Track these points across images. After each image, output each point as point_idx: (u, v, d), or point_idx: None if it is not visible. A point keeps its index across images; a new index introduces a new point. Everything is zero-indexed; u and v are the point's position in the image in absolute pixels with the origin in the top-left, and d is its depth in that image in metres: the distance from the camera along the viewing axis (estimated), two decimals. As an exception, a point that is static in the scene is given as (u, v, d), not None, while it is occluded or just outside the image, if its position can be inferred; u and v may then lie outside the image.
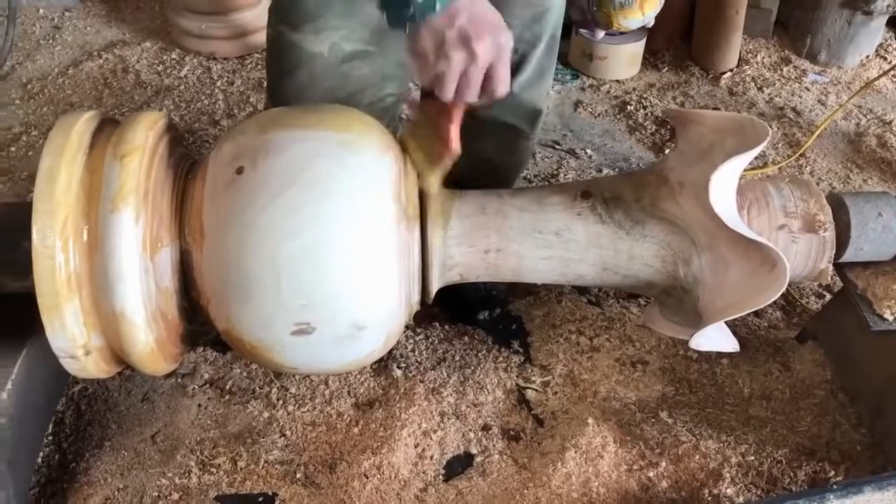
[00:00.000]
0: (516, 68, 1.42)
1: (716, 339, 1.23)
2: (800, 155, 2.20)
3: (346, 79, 1.29)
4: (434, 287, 1.23)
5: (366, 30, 1.25)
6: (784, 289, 1.13)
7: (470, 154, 1.20)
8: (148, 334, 1.07)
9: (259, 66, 2.52)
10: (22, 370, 1.21)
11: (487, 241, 1.23)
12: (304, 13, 1.25)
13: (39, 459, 1.34)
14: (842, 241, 1.26)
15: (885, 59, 2.63)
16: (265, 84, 1.39)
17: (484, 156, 1.48)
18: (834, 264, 1.34)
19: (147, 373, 1.17)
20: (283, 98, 1.31)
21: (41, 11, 2.79)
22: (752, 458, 1.35)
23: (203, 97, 2.37)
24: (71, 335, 1.03)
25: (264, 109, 1.42)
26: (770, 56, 2.65)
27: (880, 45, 2.66)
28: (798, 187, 1.27)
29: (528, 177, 2.13)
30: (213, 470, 1.35)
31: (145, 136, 1.04)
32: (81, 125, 1.05)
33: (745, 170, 1.24)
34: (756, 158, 2.15)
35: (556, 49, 1.51)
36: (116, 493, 1.31)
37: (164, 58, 2.55)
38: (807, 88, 2.52)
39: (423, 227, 1.19)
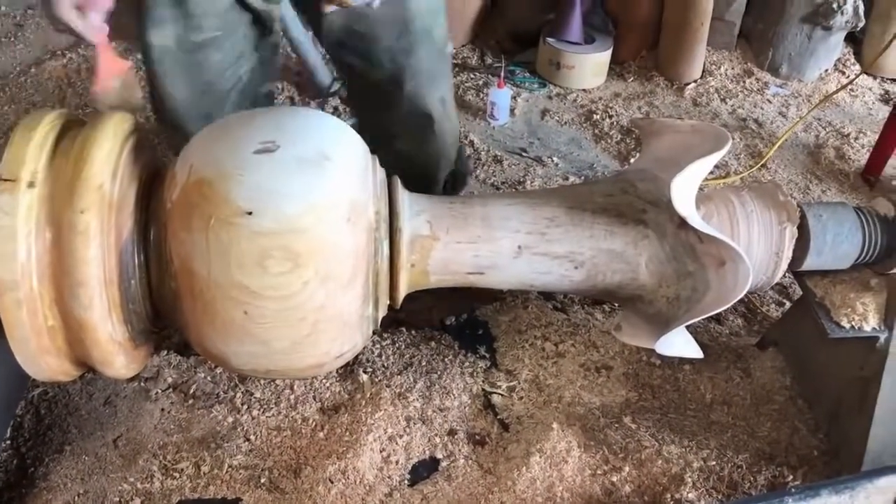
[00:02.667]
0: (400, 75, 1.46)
1: (680, 345, 1.24)
2: (761, 165, 2.25)
3: (201, 67, 1.32)
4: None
5: (208, 17, 1.28)
6: (748, 287, 1.16)
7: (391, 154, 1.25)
8: (111, 338, 1.06)
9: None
10: (-20, 374, 1.19)
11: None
12: (145, 8, 1.30)
13: (-4, 464, 1.32)
14: (802, 249, 1.29)
15: (844, 73, 2.69)
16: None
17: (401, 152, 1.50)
18: (794, 273, 1.37)
19: (109, 376, 1.15)
20: (157, 97, 1.37)
21: (3, 9, 2.74)
22: (714, 462, 1.37)
23: (169, 99, 2.34)
24: (34, 337, 1.02)
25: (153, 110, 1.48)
26: (733, 68, 2.69)
27: (839, 59, 2.72)
28: (760, 196, 1.30)
29: (496, 183, 2.15)
30: (176, 475, 1.34)
31: (112, 137, 1.03)
32: (46, 125, 1.03)
33: (708, 179, 1.27)
34: (718, 168, 2.20)
35: (446, 57, 1.55)
36: (77, 498, 1.29)
37: (129, 57, 2.52)
38: (768, 100, 2.57)
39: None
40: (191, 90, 1.33)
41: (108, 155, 1.03)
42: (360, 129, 1.33)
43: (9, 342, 1.02)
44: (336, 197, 1.09)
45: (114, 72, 1.27)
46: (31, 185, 1.00)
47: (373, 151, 1.20)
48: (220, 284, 1.04)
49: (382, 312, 1.24)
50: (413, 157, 1.55)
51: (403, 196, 1.24)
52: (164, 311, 1.14)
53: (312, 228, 1.06)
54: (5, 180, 0.99)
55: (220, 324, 1.08)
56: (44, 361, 1.05)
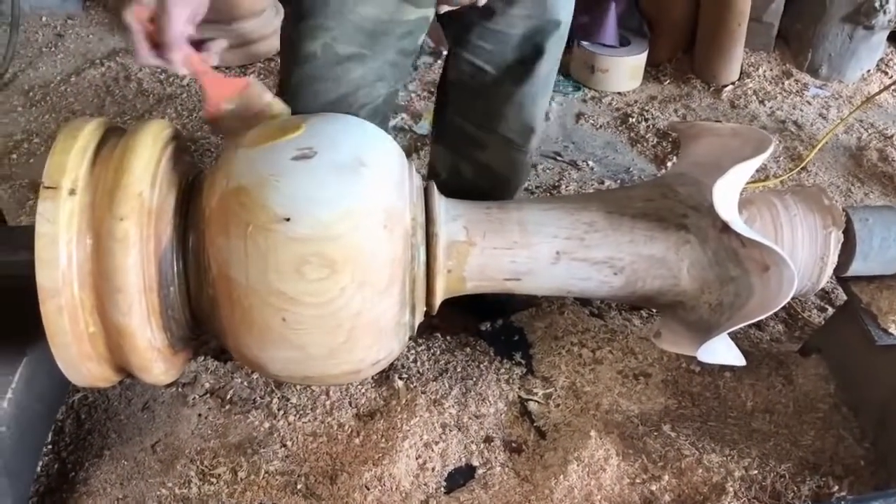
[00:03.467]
0: (519, 78, 1.44)
1: (721, 352, 1.22)
2: (801, 168, 2.21)
3: (338, 82, 1.29)
4: None
5: (360, 33, 1.26)
6: (793, 292, 1.13)
7: (472, 163, 1.20)
8: (150, 344, 1.06)
9: (262, 75, 2.52)
10: (22, 379, 1.20)
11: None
12: (303, 10, 1.26)
13: (38, 469, 1.33)
14: (847, 254, 1.26)
15: (886, 73, 2.64)
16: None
17: (484, 163, 1.50)
18: (838, 278, 1.34)
19: (148, 382, 1.16)
20: (284, 93, 1.32)
21: (44, 19, 2.80)
22: (756, 472, 1.34)
23: (205, 106, 2.37)
24: (75, 343, 1.03)
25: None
26: (771, 69, 2.65)
27: (881, 59, 2.67)
28: (804, 199, 1.27)
29: (531, 188, 2.13)
30: (213, 480, 1.34)
31: (151, 145, 1.04)
32: (87, 133, 1.05)
33: (748, 183, 1.25)
34: (758, 171, 2.16)
35: (557, 66, 1.51)
36: (116, 502, 1.30)
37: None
38: (808, 102, 2.53)
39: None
40: (323, 100, 1.31)
41: (148, 163, 1.04)
42: (441, 137, 1.33)
43: (51, 348, 1.03)
44: (372, 203, 1.08)
45: (224, 95, 1.21)
46: (72, 192, 1.01)
47: (452, 163, 1.18)
48: (258, 291, 1.04)
49: (419, 319, 1.24)
50: (496, 170, 1.54)
51: (440, 202, 1.23)
52: (202, 317, 1.15)
53: (349, 235, 1.06)
54: (47, 188, 1.00)
55: (258, 330, 1.08)
56: (84, 367, 1.06)
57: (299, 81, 1.29)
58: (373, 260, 1.08)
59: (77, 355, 1.04)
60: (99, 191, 1.02)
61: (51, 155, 1.02)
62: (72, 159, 1.02)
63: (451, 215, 1.23)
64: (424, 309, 1.24)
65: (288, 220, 1.02)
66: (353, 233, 1.06)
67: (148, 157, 1.04)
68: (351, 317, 1.08)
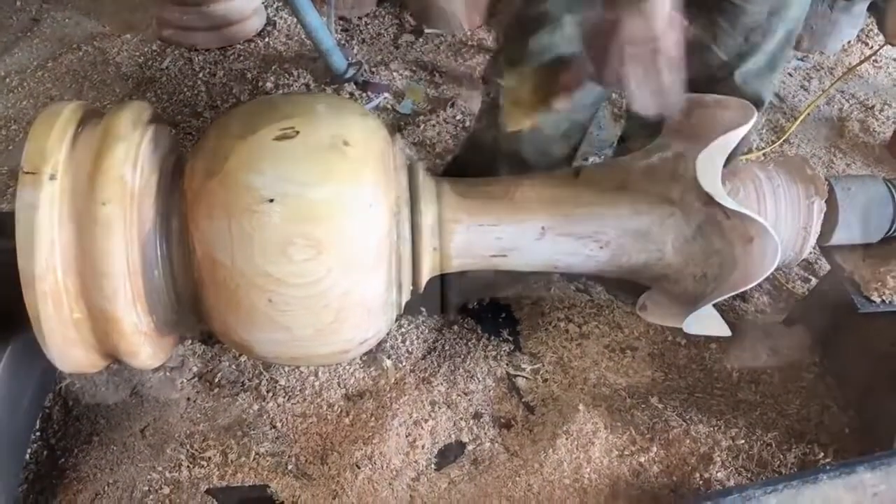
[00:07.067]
0: (745, 56, 1.37)
1: (707, 323, 1.23)
2: (784, 141, 2.21)
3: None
4: None
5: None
6: (777, 263, 1.14)
7: None
8: (136, 328, 1.06)
9: (241, 58, 2.49)
10: (6, 370, 1.20)
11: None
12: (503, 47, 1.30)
13: (27, 456, 1.32)
14: (830, 223, 1.27)
15: (867, 44, 2.64)
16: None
17: None
18: (821, 247, 1.35)
19: (136, 367, 1.16)
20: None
21: (18, 3, 2.75)
22: (742, 441, 1.36)
23: (185, 89, 2.34)
24: (60, 329, 1.02)
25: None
26: (753, 42, 2.65)
27: (862, 30, 2.66)
28: (786, 170, 1.28)
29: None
30: (204, 463, 1.34)
31: (131, 127, 1.03)
32: (65, 117, 1.03)
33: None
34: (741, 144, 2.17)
35: (791, 44, 1.44)
36: (106, 487, 1.30)
37: (145, 49, 2.52)
38: (789, 74, 2.53)
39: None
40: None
41: (129, 146, 1.03)
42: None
43: (36, 335, 1.03)
44: (357, 183, 1.08)
45: None
46: (52, 177, 1.00)
47: None
48: (244, 273, 1.04)
49: (406, 297, 1.24)
50: None
51: (425, 180, 1.23)
52: (187, 300, 1.14)
53: (334, 215, 1.05)
54: (27, 173, 0.99)
55: (244, 312, 1.08)
56: (71, 353, 1.06)
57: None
58: (358, 239, 1.08)
59: (63, 341, 1.04)
60: (80, 175, 1.01)
61: (29, 140, 1.01)
62: (51, 143, 1.01)
63: (437, 193, 1.23)
64: (411, 288, 1.24)
65: (272, 201, 1.02)
66: (338, 213, 1.06)
67: (129, 140, 1.03)
68: (338, 297, 1.08)
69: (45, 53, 2.51)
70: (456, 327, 1.60)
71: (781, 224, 1.25)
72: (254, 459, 1.35)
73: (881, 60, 2.57)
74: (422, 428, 1.39)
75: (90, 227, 1.00)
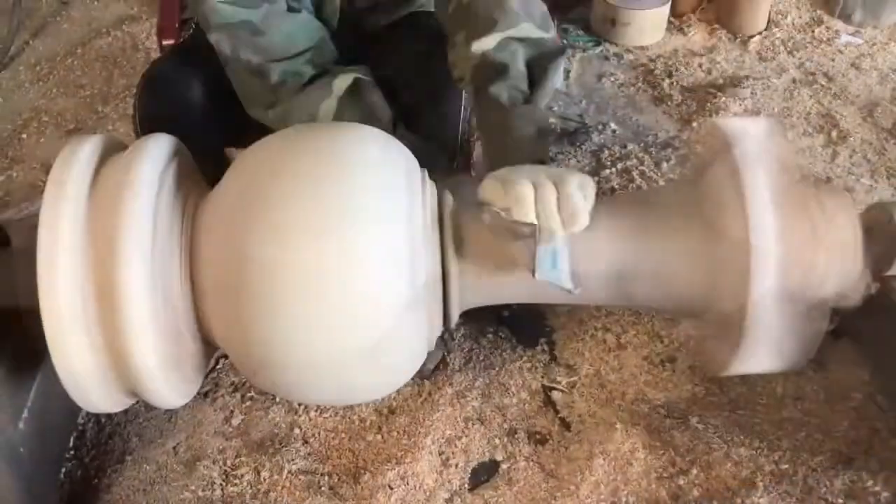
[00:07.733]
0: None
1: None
2: (833, 127, 2.11)
3: None
4: None
5: None
6: None
7: None
8: (162, 377, 1.04)
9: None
10: (38, 396, 1.19)
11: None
12: None
13: (62, 475, 1.33)
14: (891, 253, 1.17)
15: (925, 16, 2.51)
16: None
17: None
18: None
19: (158, 406, 1.15)
20: None
21: (47, -12, 2.72)
22: (786, 465, 1.31)
23: (217, 74, 2.31)
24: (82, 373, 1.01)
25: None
26: (801, 17, 2.53)
27: (920, 0, 2.53)
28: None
29: (552, 154, 2.06)
30: (237, 481, 1.34)
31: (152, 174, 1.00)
32: (83, 160, 1.00)
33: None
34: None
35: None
36: (140, 509, 1.30)
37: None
38: (839, 51, 2.41)
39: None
40: None
41: (147, 201, 0.99)
42: None
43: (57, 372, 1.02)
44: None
45: None
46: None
47: None
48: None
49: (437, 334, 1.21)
50: None
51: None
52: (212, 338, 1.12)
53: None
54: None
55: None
56: (94, 394, 1.05)
57: None
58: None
59: (84, 381, 1.02)
60: (98, 222, 0.98)
61: (49, 182, 0.99)
62: (70, 187, 0.97)
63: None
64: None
65: None
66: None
67: (146, 196, 0.99)
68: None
69: (75, 39, 2.49)
70: (490, 336, 1.56)
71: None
72: (286, 478, 1.34)
73: (941, 35, 2.43)
74: (455, 446, 1.37)
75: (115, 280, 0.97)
